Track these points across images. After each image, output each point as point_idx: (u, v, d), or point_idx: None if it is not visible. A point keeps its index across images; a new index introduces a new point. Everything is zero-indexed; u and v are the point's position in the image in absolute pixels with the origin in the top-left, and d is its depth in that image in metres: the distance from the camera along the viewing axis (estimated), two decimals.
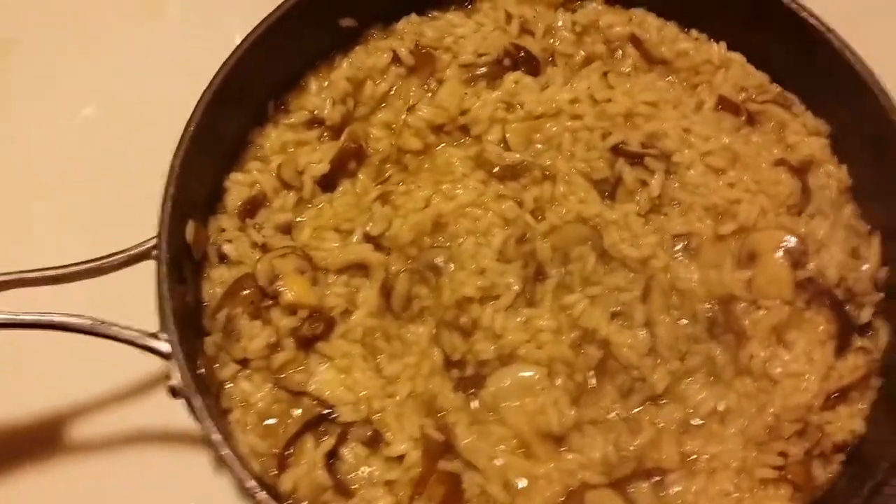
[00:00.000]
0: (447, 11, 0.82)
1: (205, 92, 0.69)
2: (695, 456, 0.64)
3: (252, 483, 0.56)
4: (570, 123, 0.75)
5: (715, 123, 0.74)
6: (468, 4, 0.82)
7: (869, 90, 0.68)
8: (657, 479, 0.63)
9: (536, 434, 0.65)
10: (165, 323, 0.60)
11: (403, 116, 0.77)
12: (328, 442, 0.62)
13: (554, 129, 0.75)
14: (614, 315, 0.68)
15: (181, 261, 0.65)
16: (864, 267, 0.69)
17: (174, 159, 0.65)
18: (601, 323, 0.67)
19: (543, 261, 0.70)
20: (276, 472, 0.62)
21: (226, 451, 0.56)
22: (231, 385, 0.66)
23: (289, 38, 0.75)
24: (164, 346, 0.59)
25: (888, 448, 0.59)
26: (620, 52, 0.80)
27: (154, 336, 0.60)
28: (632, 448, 0.64)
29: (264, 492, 0.56)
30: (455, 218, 0.72)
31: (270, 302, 0.67)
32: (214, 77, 0.69)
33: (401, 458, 0.63)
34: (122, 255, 0.62)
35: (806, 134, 0.74)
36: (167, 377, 0.59)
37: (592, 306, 0.68)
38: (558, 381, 0.66)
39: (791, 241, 0.67)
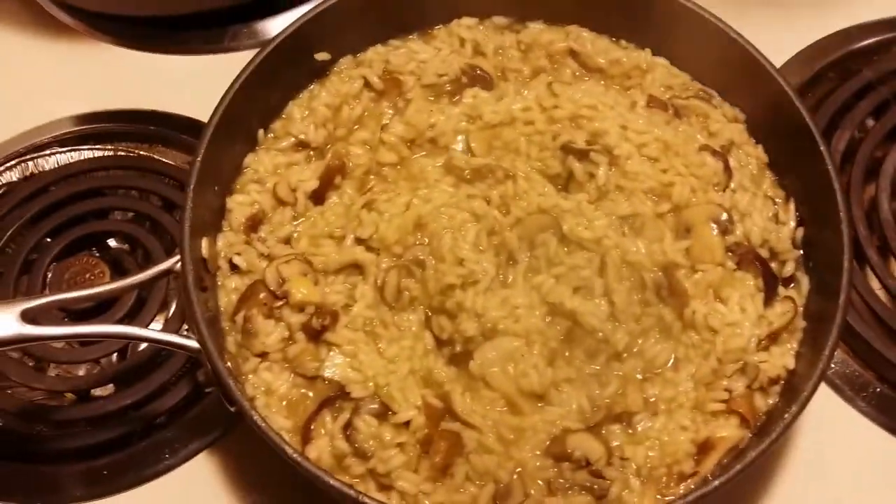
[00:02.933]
0: (408, 40, 0.93)
1: (204, 129, 0.78)
2: (655, 399, 0.75)
3: (289, 449, 0.65)
4: (523, 129, 0.85)
5: (647, 119, 0.85)
6: (425, 32, 0.94)
7: (768, 75, 0.81)
8: (626, 421, 0.74)
9: (520, 394, 0.75)
10: (195, 324, 0.69)
11: (378, 134, 0.88)
12: (343, 416, 0.72)
13: (510, 134, 0.86)
14: (576, 289, 0.78)
15: (200, 273, 0.75)
16: (784, 229, 0.81)
17: (189, 186, 0.74)
18: (566, 297, 0.77)
19: (512, 249, 0.80)
20: (302, 444, 0.72)
21: (258, 418, 0.65)
22: (253, 376, 0.75)
23: (272, 74, 0.85)
24: (194, 344, 0.69)
25: (811, 377, 0.71)
26: (561, 64, 0.92)
27: (185, 336, 0.69)
28: (602, 398, 0.75)
29: (296, 454, 0.65)
30: (433, 218, 0.81)
31: (281, 302, 0.77)
32: (212, 115, 0.79)
33: (407, 423, 0.72)
34: (152, 272, 0.71)
35: (726, 122, 0.87)
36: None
37: (558, 284, 0.79)
38: (535, 349, 0.76)
39: (718, 213, 0.79)
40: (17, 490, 0.79)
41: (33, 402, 0.83)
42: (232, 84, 0.82)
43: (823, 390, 0.83)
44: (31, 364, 0.86)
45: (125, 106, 1.05)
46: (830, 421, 0.82)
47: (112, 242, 0.95)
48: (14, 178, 0.97)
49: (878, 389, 0.83)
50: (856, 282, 0.87)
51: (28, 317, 0.66)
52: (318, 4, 0.87)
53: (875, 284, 0.88)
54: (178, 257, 0.72)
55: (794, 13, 1.07)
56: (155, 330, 0.70)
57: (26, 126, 1.03)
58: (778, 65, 0.99)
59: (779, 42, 1.01)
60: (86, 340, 0.84)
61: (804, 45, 1.04)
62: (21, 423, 0.83)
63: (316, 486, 0.65)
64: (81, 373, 0.85)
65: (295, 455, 0.65)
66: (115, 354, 0.86)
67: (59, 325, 0.69)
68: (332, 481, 0.64)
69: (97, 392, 0.84)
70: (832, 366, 0.85)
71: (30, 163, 0.98)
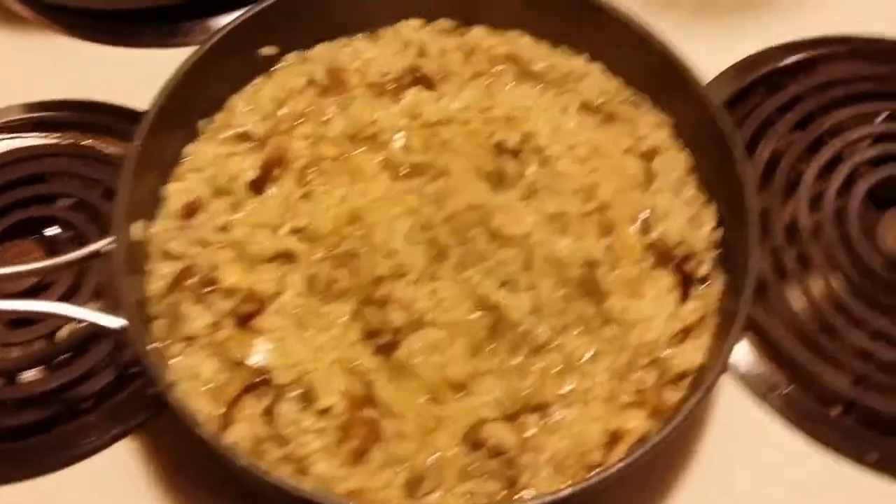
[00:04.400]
0: (354, 39, 0.96)
1: (146, 114, 0.80)
2: (571, 391, 0.78)
3: (200, 427, 0.66)
4: (460, 128, 0.88)
5: (579, 122, 0.88)
6: (372, 32, 0.96)
7: (692, 85, 0.85)
8: (542, 411, 0.76)
9: (443, 383, 0.77)
10: (122, 303, 0.71)
11: (320, 129, 0.90)
12: (265, 401, 0.74)
13: (448, 133, 0.88)
14: (503, 283, 0.80)
15: (131, 255, 0.76)
16: (702, 230, 0.84)
17: (124, 171, 0.76)
18: (491, 290, 0.80)
19: (444, 243, 0.83)
20: (222, 428, 0.73)
21: (177, 401, 0.67)
22: (180, 359, 0.76)
23: (216, 66, 0.87)
24: (118, 322, 0.70)
25: (711, 369, 0.74)
26: (501, 68, 0.95)
27: (110, 315, 0.71)
28: (522, 390, 0.77)
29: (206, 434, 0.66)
30: (367, 211, 0.83)
31: (210, 288, 0.78)
32: (155, 100, 0.81)
33: (328, 410, 0.74)
34: (82, 252, 0.73)
35: (653, 127, 0.90)
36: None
37: (485, 278, 0.81)
38: (459, 341, 0.79)
39: (639, 213, 0.82)
40: None
41: None
42: (175, 73, 0.84)
43: (736, 389, 0.87)
44: None
45: (74, 96, 1.06)
46: (739, 418, 0.85)
47: (53, 230, 0.95)
48: None
49: (788, 390, 0.87)
50: (773, 289, 0.90)
51: None
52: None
53: (791, 292, 0.91)
54: (108, 239, 0.73)
55: (733, 27, 1.11)
56: (78, 307, 0.71)
57: None
58: (712, 76, 1.05)
59: (714, 54, 1.06)
60: (17, 323, 0.84)
61: (737, 59, 1.07)
62: None
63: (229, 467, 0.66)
64: (12, 355, 0.86)
65: (205, 435, 0.67)
66: (44, 339, 0.86)
67: None
68: (239, 461, 0.66)
69: (27, 375, 0.85)
70: (745, 366, 0.88)
71: None
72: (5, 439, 0.82)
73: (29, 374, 0.85)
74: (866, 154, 0.97)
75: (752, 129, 1.00)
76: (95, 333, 0.84)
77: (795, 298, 0.91)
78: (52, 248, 0.92)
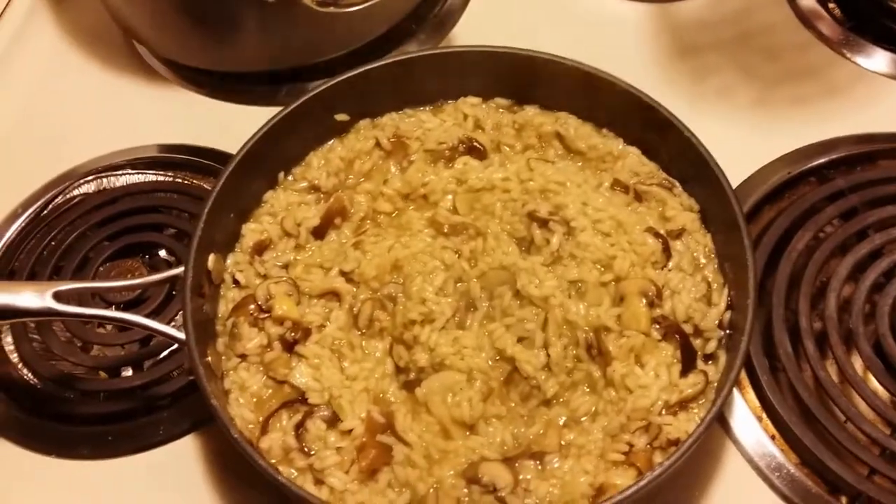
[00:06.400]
0: (419, 111, 1.09)
1: (228, 163, 0.96)
2: (569, 444, 0.84)
3: (235, 433, 0.79)
4: (500, 195, 0.98)
5: (608, 199, 0.96)
6: (436, 106, 1.09)
7: (716, 178, 0.91)
8: (539, 459, 0.83)
9: (453, 421, 0.86)
10: (185, 321, 0.85)
11: (380, 187, 1.03)
12: (297, 417, 0.85)
13: (489, 199, 0.99)
14: (520, 339, 0.89)
15: (202, 282, 0.91)
16: (714, 310, 0.89)
17: (203, 209, 0.92)
18: (509, 344, 0.88)
19: (474, 296, 0.93)
20: (259, 435, 0.85)
21: (216, 405, 0.80)
22: (233, 373, 0.89)
23: (296, 126, 1.02)
24: (181, 335, 0.84)
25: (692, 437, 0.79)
26: (548, 144, 1.05)
27: (177, 328, 0.85)
28: (525, 436, 0.85)
29: (240, 438, 0.79)
30: (409, 262, 0.94)
31: (266, 315, 0.92)
32: (237, 152, 0.97)
33: (350, 431, 0.85)
34: (162, 276, 0.88)
35: (681, 209, 0.96)
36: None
37: (506, 332, 0.90)
38: (474, 385, 0.87)
39: (649, 287, 0.88)
40: (39, 441, 0.97)
41: (70, 374, 1.00)
42: (259, 129, 0.99)
43: (742, 466, 0.90)
44: (78, 345, 1.04)
45: (191, 142, 1.25)
46: (744, 494, 0.88)
47: (162, 253, 1.13)
48: (90, 191, 1.18)
49: (794, 472, 0.89)
50: (789, 370, 0.93)
51: (61, 297, 0.83)
52: (347, 73, 1.04)
53: (809, 376, 0.94)
54: (182, 267, 0.88)
55: (783, 119, 1.15)
56: (151, 319, 0.87)
57: (111, 149, 1.25)
58: (762, 164, 1.10)
59: (767, 144, 1.11)
60: (122, 328, 1.01)
61: (789, 150, 1.12)
62: (56, 388, 1.01)
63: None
64: (110, 354, 1.03)
65: (236, 436, 0.79)
66: (137, 342, 1.03)
67: (79, 306, 0.87)
68: (260, 461, 0.78)
69: (124, 372, 1.01)
70: (750, 444, 0.91)
71: (104, 179, 1.19)
72: (96, 423, 0.98)
73: (122, 372, 1.01)
74: None
75: (793, 216, 1.04)
76: (174, 345, 0.99)
77: (817, 388, 0.93)
78: (155, 268, 1.09)
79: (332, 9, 1.06)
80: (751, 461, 0.91)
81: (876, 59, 1.20)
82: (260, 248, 0.98)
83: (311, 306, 0.94)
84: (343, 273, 0.95)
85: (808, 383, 0.93)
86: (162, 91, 1.32)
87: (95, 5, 1.34)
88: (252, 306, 0.92)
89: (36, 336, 1.04)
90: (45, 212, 1.15)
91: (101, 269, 1.08)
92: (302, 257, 0.98)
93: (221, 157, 1.21)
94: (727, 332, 0.89)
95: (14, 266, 1.10)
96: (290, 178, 1.05)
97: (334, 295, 0.95)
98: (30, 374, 1.02)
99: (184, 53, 1.30)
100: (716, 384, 0.85)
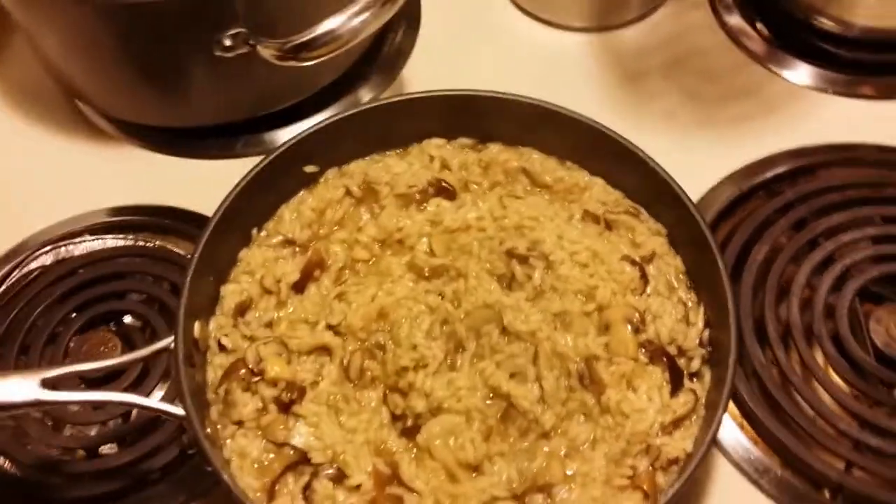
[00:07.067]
0: (385, 156, 1.10)
1: (205, 226, 0.95)
2: (574, 473, 0.87)
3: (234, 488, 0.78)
4: (476, 234, 1.00)
5: (581, 230, 1.00)
6: (401, 149, 1.10)
7: (679, 198, 0.96)
8: (547, 491, 0.85)
9: (458, 464, 0.87)
10: (181, 394, 0.83)
11: (355, 234, 1.03)
12: (303, 478, 0.85)
13: (465, 239, 1.00)
14: (513, 375, 0.91)
15: (191, 352, 0.89)
16: (693, 329, 0.94)
17: (186, 278, 0.90)
18: (503, 381, 0.90)
19: (461, 337, 0.94)
20: (267, 502, 0.84)
21: (228, 479, 0.79)
22: (231, 441, 0.88)
23: (268, 182, 1.02)
24: (180, 411, 0.83)
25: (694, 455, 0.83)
26: (515, 179, 1.07)
27: (175, 405, 0.83)
28: (530, 471, 0.87)
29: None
30: (393, 308, 0.95)
31: (257, 378, 0.91)
32: (214, 215, 0.95)
33: (358, 486, 0.85)
34: (152, 348, 0.86)
35: (650, 234, 1.01)
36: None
37: (498, 369, 0.91)
38: (474, 426, 0.89)
39: (632, 314, 0.92)
40: None
41: (50, 457, 0.96)
42: (233, 188, 0.98)
43: (731, 473, 0.94)
44: (49, 424, 1.01)
45: (147, 202, 1.22)
46: (736, 500, 0.93)
47: (127, 319, 1.10)
48: (48, 262, 1.14)
49: (780, 474, 0.94)
50: (767, 380, 0.99)
51: (48, 384, 0.80)
52: (314, 125, 1.04)
53: (781, 382, 0.99)
54: (171, 338, 0.87)
55: (727, 138, 1.22)
56: (152, 399, 0.84)
57: (64, 216, 1.21)
58: (712, 183, 1.16)
59: (713, 162, 1.17)
60: (97, 404, 0.98)
61: (735, 168, 1.18)
62: (37, 474, 0.97)
63: None
64: (92, 433, 0.99)
65: None
66: (119, 418, 1.00)
67: (72, 391, 0.84)
68: None
69: (104, 450, 0.98)
70: (740, 450, 0.96)
71: (62, 249, 1.15)
72: None
73: (105, 449, 0.98)
74: (859, 255, 1.06)
75: (748, 232, 1.10)
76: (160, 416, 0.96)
77: (788, 390, 0.99)
78: (127, 337, 1.06)
79: (292, 63, 1.06)
80: (738, 466, 0.96)
81: (801, 73, 1.29)
82: (242, 310, 0.97)
83: (302, 363, 0.93)
84: (330, 326, 0.95)
85: (779, 385, 0.98)
86: (112, 151, 1.29)
87: (33, 64, 1.30)
88: (243, 371, 0.90)
89: (9, 422, 0.99)
90: (3, 288, 1.11)
91: (72, 344, 1.05)
92: (284, 314, 0.98)
93: (182, 215, 1.20)
94: (708, 348, 0.93)
95: None
96: (263, 233, 1.04)
97: (324, 350, 0.94)
98: (7, 463, 0.97)
99: (130, 111, 1.28)
100: (704, 401, 0.89)
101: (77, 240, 1.16)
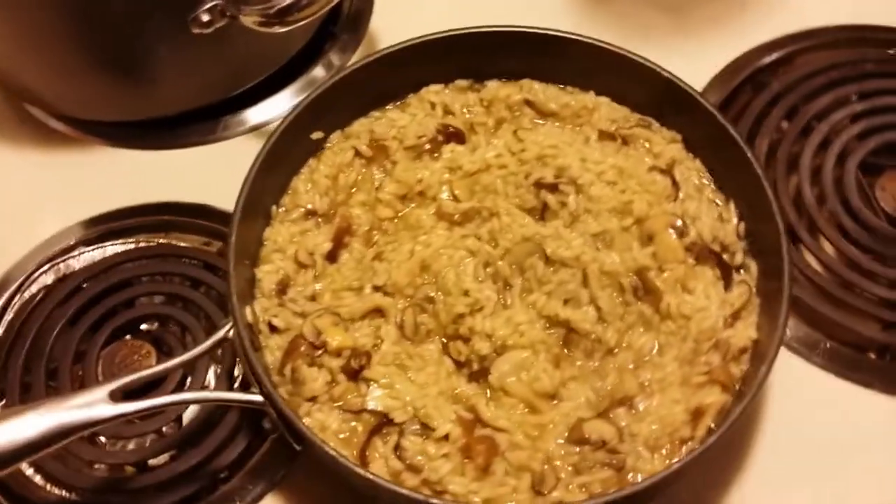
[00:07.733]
0: (386, 111, 1.07)
1: (234, 212, 0.91)
2: (648, 382, 0.89)
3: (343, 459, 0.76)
4: (498, 172, 1.00)
5: (601, 150, 1.01)
6: (400, 102, 1.08)
7: (692, 99, 0.98)
8: (628, 404, 0.87)
9: (536, 395, 0.88)
10: (259, 378, 0.80)
11: (373, 194, 1.01)
12: (392, 439, 0.84)
13: (488, 179, 1.00)
14: (566, 301, 0.92)
15: (252, 336, 0.86)
16: (728, 225, 0.97)
17: (229, 266, 0.86)
18: (558, 308, 0.91)
19: (506, 275, 0.94)
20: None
21: (327, 449, 0.77)
22: (308, 418, 0.86)
23: (279, 157, 0.98)
24: (259, 398, 0.80)
25: (772, 342, 0.86)
26: (520, 112, 1.07)
27: (251, 392, 0.81)
28: (605, 389, 0.89)
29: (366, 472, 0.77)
30: (434, 259, 0.94)
31: (320, 351, 0.88)
32: (238, 199, 0.91)
33: (447, 436, 0.85)
34: (213, 340, 0.83)
35: (665, 143, 1.02)
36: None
37: (550, 299, 0.92)
38: (541, 356, 0.90)
39: (673, 220, 0.94)
40: None
41: (110, 476, 0.92)
42: (251, 167, 0.94)
43: (783, 353, 0.98)
44: (102, 441, 0.95)
45: (135, 202, 1.15)
46: (793, 377, 0.97)
47: (143, 326, 1.05)
48: (49, 282, 1.07)
49: (828, 345, 0.99)
50: (794, 258, 1.03)
51: (115, 396, 0.76)
52: (311, 92, 1.01)
53: (810, 259, 1.04)
54: (229, 326, 0.83)
55: (710, 39, 1.24)
56: (226, 392, 0.81)
57: (46, 235, 1.13)
58: (699, 87, 1.18)
59: (699, 64, 1.19)
60: (146, 414, 0.94)
61: (720, 67, 1.21)
62: (98, 496, 0.92)
63: (384, 498, 0.76)
64: (147, 443, 0.95)
65: (363, 472, 0.77)
66: (172, 423, 0.96)
67: (145, 400, 0.79)
68: (401, 489, 0.76)
69: (165, 458, 0.94)
70: (789, 331, 1.00)
71: (61, 265, 1.08)
72: None
73: (165, 458, 0.94)
74: (852, 131, 1.11)
75: (747, 126, 1.13)
76: (217, 411, 0.93)
77: (814, 263, 1.03)
78: (157, 341, 1.02)
79: (276, 28, 1.01)
80: (788, 345, 1.00)
81: None
82: (282, 288, 0.94)
83: (359, 329, 0.92)
84: (377, 288, 0.93)
85: (812, 264, 1.03)
86: (68, 154, 1.19)
87: None
88: (303, 347, 0.88)
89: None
90: (10, 317, 1.04)
91: (101, 359, 0.99)
92: (324, 285, 0.95)
93: (176, 208, 1.14)
94: (746, 240, 0.96)
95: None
96: (282, 209, 1.00)
97: (376, 312, 0.93)
98: (65, 492, 0.92)
99: (93, 108, 1.19)
100: (755, 289, 0.92)
101: (75, 253, 1.09)
